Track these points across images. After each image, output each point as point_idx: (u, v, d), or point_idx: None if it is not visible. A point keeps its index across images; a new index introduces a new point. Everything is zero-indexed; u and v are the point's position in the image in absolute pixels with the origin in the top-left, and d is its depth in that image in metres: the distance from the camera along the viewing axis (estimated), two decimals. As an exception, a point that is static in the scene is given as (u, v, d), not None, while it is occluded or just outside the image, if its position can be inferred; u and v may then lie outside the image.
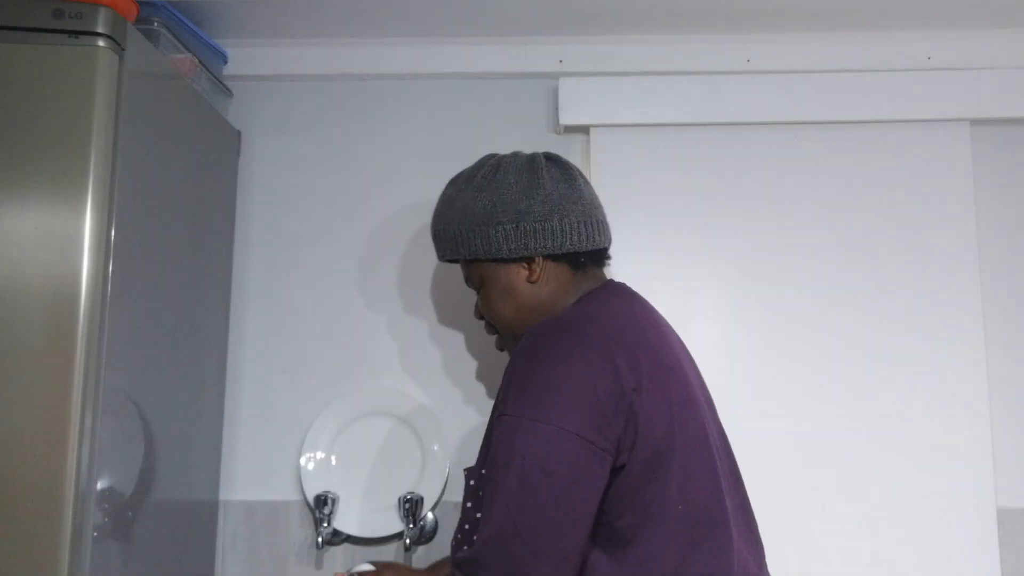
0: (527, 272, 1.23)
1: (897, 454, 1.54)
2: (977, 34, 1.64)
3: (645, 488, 1.05)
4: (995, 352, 1.59)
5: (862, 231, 1.61)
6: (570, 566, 1.05)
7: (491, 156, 1.30)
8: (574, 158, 1.67)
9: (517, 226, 1.20)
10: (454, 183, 1.30)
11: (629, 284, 1.28)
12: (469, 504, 1.17)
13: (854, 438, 1.55)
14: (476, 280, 1.28)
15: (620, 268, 1.56)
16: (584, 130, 1.67)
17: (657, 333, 1.18)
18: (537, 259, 1.22)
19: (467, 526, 1.17)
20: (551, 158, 1.28)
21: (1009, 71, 1.62)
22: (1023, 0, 1.53)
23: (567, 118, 1.65)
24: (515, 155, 1.28)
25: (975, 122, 1.63)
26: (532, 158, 1.26)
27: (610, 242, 1.29)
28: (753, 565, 1.15)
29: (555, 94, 1.67)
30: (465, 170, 1.31)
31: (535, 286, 1.23)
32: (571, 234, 1.21)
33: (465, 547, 1.15)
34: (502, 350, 1.34)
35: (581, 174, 1.29)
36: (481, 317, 1.32)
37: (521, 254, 1.21)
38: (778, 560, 1.21)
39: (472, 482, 1.18)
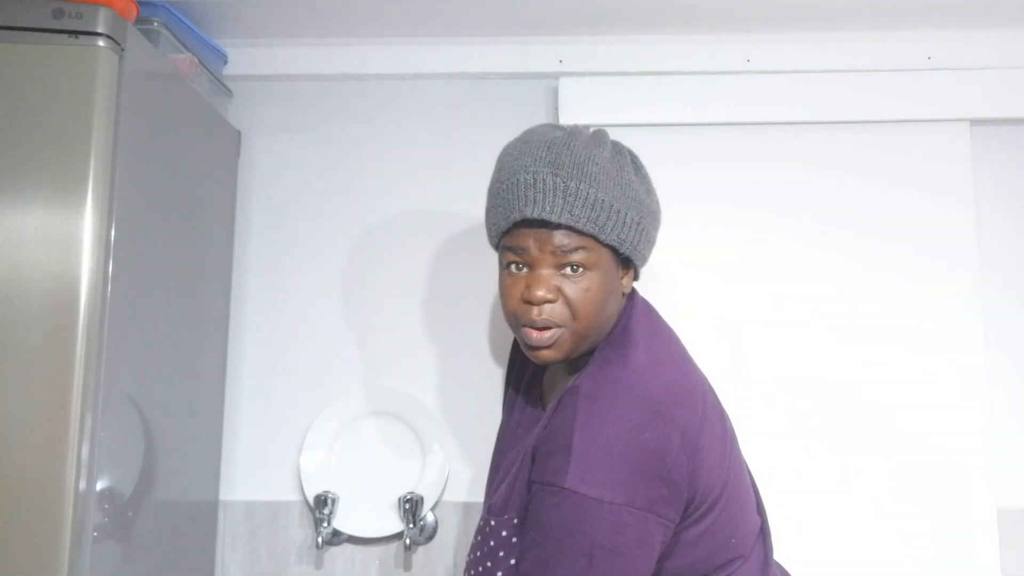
0: (625, 281, 1.10)
1: (897, 454, 1.54)
2: (977, 34, 1.64)
3: (698, 525, 1.03)
4: (995, 352, 1.59)
5: (862, 231, 1.61)
6: None
7: (600, 133, 1.08)
8: (574, 158, 1.67)
9: (654, 231, 1.10)
10: (599, 144, 1.04)
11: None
12: (495, 546, 1.06)
13: (853, 438, 1.55)
14: (587, 263, 1.03)
15: (620, 268, 1.56)
16: (584, 130, 1.67)
17: (694, 367, 1.11)
18: (635, 269, 1.11)
19: (495, 571, 1.07)
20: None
21: (1009, 71, 1.62)
22: (1023, 0, 1.53)
23: (567, 118, 1.64)
24: (616, 144, 1.09)
25: (975, 122, 1.63)
26: (630, 151, 1.10)
27: None
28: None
29: (555, 94, 1.67)
30: (583, 135, 1.05)
31: (620, 298, 1.10)
32: (654, 245, 1.11)
33: None
34: (536, 348, 1.06)
35: None
36: (543, 302, 1.03)
37: (639, 260, 1.09)
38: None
39: (505, 533, 1.05)
